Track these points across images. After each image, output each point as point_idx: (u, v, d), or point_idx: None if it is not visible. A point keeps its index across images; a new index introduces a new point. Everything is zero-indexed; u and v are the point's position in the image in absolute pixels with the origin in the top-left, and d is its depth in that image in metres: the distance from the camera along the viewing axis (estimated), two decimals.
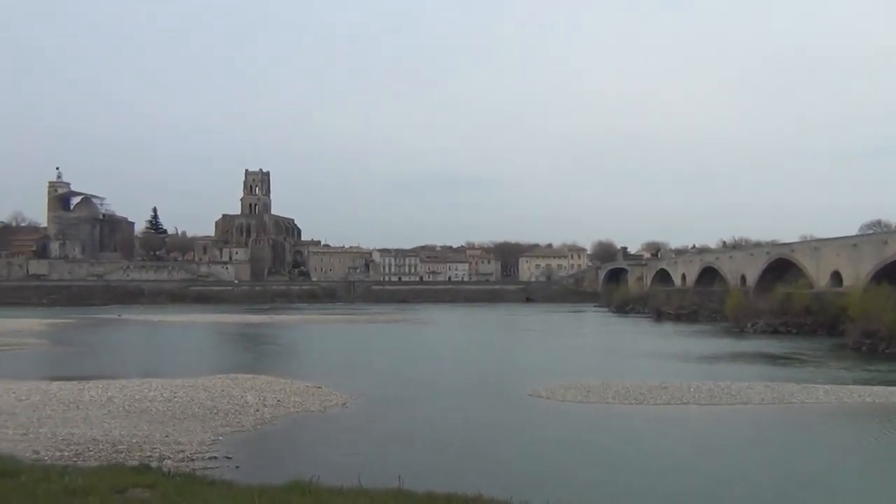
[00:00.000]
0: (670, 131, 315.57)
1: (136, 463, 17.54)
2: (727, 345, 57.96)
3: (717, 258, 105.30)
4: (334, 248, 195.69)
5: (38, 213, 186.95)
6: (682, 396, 30.18)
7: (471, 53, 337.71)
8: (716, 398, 29.91)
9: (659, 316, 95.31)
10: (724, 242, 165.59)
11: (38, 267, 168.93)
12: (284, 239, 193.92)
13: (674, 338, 66.02)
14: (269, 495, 8.80)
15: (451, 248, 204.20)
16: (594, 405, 28.90)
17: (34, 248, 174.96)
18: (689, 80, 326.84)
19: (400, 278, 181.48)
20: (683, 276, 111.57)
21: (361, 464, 18.75)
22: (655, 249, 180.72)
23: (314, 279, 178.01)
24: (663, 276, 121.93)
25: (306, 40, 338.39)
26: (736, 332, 69.21)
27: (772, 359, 47.47)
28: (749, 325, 70.02)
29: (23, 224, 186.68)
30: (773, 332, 66.17)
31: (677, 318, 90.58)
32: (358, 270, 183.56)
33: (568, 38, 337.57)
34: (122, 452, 18.99)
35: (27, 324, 77.01)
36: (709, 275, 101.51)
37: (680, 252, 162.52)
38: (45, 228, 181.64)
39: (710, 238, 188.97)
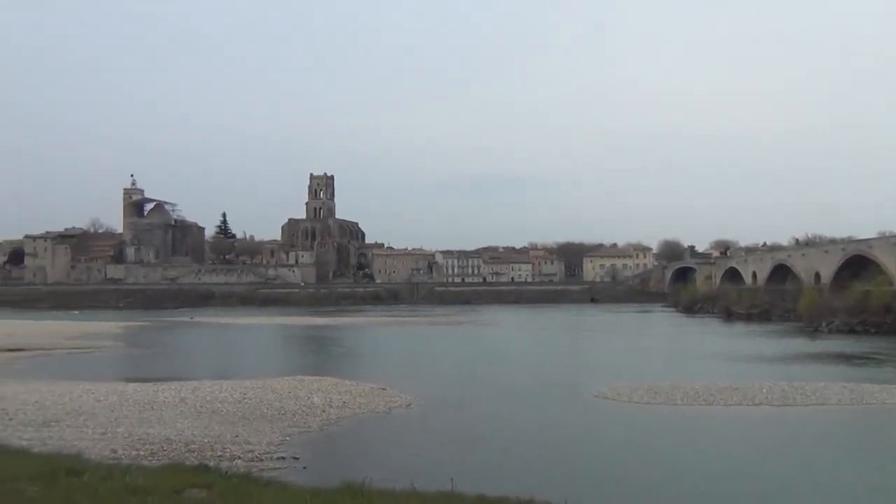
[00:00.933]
0: (738, 128, 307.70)
1: (209, 462, 18.03)
2: (801, 345, 56.10)
3: (789, 256, 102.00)
4: (397, 250, 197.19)
5: (114, 219, 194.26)
6: (754, 397, 29.32)
7: (532, 53, 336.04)
8: (790, 399, 28.96)
9: (729, 316, 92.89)
10: (797, 240, 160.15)
11: (114, 271, 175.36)
12: (349, 242, 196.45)
13: (744, 338, 64.25)
14: (321, 497, 8.88)
15: (514, 248, 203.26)
16: (662, 406, 28.33)
17: (111, 254, 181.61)
18: (758, 77, 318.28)
19: (463, 279, 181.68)
20: (754, 275, 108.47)
21: (422, 465, 18.82)
22: (724, 248, 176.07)
23: (378, 281, 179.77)
24: (733, 275, 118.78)
25: (367, 47, 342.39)
26: (810, 331, 66.92)
27: (849, 359, 45.71)
28: (824, 324, 67.59)
29: (100, 230, 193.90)
30: (850, 331, 63.73)
31: (748, 317, 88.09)
32: (421, 272, 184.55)
33: (632, 36, 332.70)
34: (194, 452, 19.51)
35: (105, 326, 79.96)
36: (781, 273, 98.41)
37: (750, 250, 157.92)
38: (121, 234, 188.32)
39: (782, 235, 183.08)
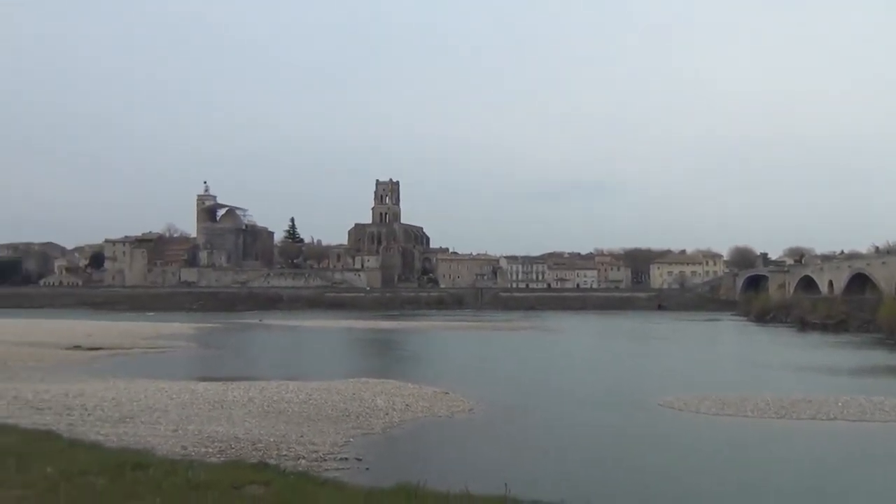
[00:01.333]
0: (813, 131, 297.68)
1: (274, 461, 18.44)
2: (880, 357, 53.79)
3: (868, 264, 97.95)
4: (462, 255, 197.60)
5: (188, 224, 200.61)
6: (829, 412, 28.26)
7: (598, 58, 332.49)
8: (867, 414, 27.81)
9: (803, 326, 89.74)
10: (877, 248, 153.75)
11: (188, 274, 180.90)
12: (413, 247, 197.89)
13: (819, 349, 61.97)
14: (375, 497, 9.00)
15: (579, 254, 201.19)
16: (731, 418, 27.59)
17: (185, 257, 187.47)
18: (830, 77, 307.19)
19: (527, 285, 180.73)
20: (830, 284, 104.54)
21: (480, 469, 18.82)
22: (799, 255, 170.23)
23: (442, 286, 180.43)
24: (808, 284, 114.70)
25: (432, 54, 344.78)
26: (890, 343, 64.08)
27: None
28: None
29: (175, 235, 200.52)
30: None
31: (823, 328, 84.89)
32: (485, 277, 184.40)
33: (698, 38, 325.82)
34: (260, 450, 19.98)
35: (178, 328, 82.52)
36: (859, 282, 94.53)
37: (826, 258, 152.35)
38: (194, 238, 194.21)
39: (860, 243, 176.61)
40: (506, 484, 11.05)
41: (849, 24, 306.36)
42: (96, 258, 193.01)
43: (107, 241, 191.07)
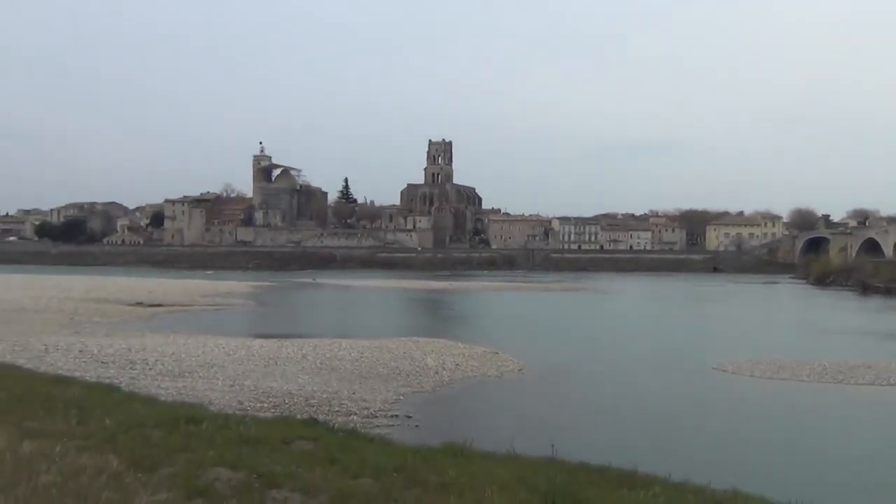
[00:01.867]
0: (877, 89, 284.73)
1: (326, 417, 18.83)
2: None
3: None
4: (514, 216, 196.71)
5: (244, 184, 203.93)
6: (890, 377, 27.48)
7: (661, 12, 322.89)
8: None
9: (865, 289, 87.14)
10: None
11: (244, 234, 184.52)
12: (465, 207, 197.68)
13: (882, 313, 60.17)
14: (421, 455, 9.08)
15: (633, 215, 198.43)
16: (786, 382, 27.08)
17: (241, 217, 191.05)
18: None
19: (580, 246, 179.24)
20: (895, 247, 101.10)
21: (528, 429, 18.91)
22: (863, 217, 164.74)
23: (494, 247, 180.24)
24: (871, 247, 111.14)
25: (483, 9, 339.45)
26: None
27: None
28: None
29: (232, 195, 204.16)
30: None
31: (887, 291, 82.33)
32: (537, 238, 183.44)
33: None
34: (313, 406, 20.40)
35: (235, 286, 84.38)
36: None
37: (892, 220, 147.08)
38: (250, 199, 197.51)
39: None
40: (552, 445, 11.05)
41: None
42: (157, 217, 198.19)
43: (167, 201, 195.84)
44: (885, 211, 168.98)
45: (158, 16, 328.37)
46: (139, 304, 55.03)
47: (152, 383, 22.81)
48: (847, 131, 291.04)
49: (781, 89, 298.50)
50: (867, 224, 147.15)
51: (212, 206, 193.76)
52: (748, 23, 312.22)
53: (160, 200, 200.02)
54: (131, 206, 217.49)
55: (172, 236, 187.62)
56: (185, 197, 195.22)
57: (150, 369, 25.54)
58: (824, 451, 18.25)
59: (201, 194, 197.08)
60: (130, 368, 25.43)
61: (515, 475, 8.32)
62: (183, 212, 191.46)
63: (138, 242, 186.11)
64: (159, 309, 52.54)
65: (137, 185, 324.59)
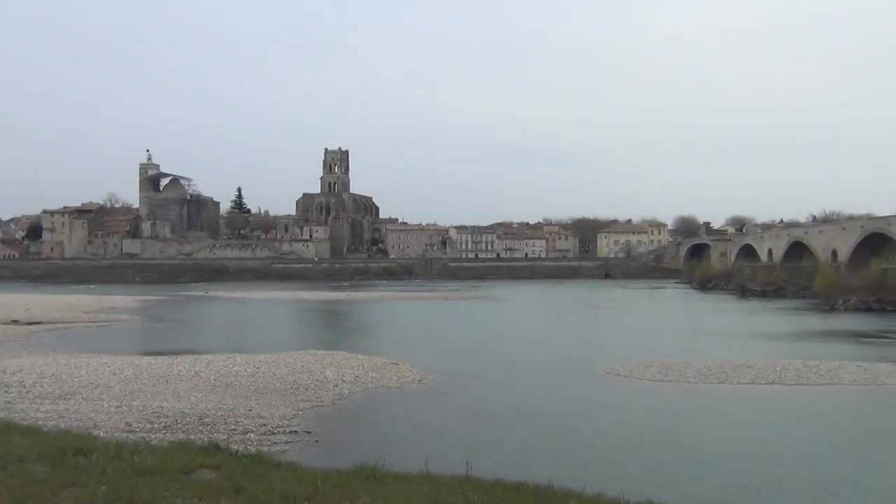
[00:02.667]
0: (756, 103, 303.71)
1: (221, 436, 18.18)
2: (816, 323, 55.75)
3: (805, 232, 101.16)
4: (412, 225, 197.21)
5: (131, 194, 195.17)
6: (768, 376, 29.21)
7: (550, 25, 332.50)
8: (803, 378, 28.83)
9: (744, 293, 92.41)
10: (814, 216, 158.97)
11: (130, 246, 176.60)
12: (363, 217, 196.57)
13: (759, 315, 63.92)
14: (332, 480, 8.83)
15: (528, 224, 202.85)
16: (674, 384, 28.29)
17: (127, 228, 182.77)
18: (774, 49, 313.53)
19: (477, 255, 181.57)
20: (770, 252, 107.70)
21: (433, 443, 18.89)
22: (740, 224, 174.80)
23: (392, 256, 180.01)
24: (748, 252, 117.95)
25: (380, 18, 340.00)
26: (826, 309, 66.45)
27: (865, 338, 45.37)
28: (840, 302, 67.10)
29: (117, 205, 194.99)
30: (867, 309, 63.26)
31: (763, 294, 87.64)
32: (435, 247, 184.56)
33: (650, 9, 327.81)
34: (207, 425, 19.70)
35: (121, 301, 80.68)
36: (797, 250, 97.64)
37: (766, 227, 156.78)
38: (137, 209, 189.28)
39: (798, 212, 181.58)
40: (467, 462, 10.95)
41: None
42: (34, 229, 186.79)
43: (45, 211, 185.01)
44: (760, 218, 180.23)
45: (34, 5, 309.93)
46: (14, 322, 51.75)
47: (31, 407, 21.45)
48: (725, 140, 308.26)
49: (665, 99, 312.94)
50: (744, 231, 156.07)
51: (95, 217, 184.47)
52: (636, 33, 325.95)
53: (38, 211, 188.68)
54: (5, 217, 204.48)
55: (52, 249, 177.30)
56: (65, 207, 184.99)
57: (28, 392, 23.99)
58: (719, 452, 19.09)
59: (83, 204, 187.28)
60: (5, 392, 23.81)
61: (432, 498, 8.22)
62: (63, 223, 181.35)
63: (13, 256, 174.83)
64: (38, 327, 49.52)
65: (11, 194, 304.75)
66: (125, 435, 16.95)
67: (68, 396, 23.48)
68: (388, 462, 10.72)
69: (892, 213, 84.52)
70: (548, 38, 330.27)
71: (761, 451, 18.68)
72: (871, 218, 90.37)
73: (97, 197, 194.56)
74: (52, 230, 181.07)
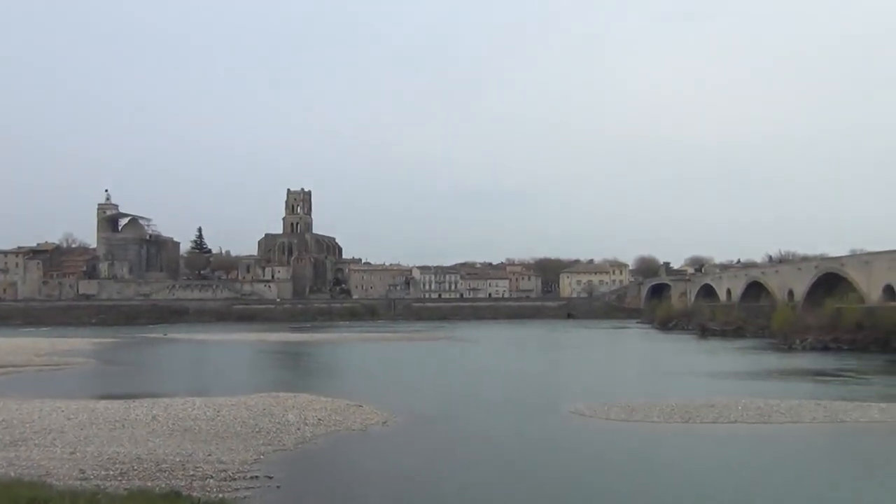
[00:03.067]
0: (712, 143, 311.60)
1: (180, 482, 17.70)
2: (775, 361, 56.56)
3: (762, 273, 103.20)
4: (375, 265, 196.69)
5: (88, 234, 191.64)
6: (730, 415, 29.46)
7: (510, 66, 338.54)
8: (765, 416, 29.13)
9: (704, 332, 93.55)
10: (770, 257, 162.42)
11: (87, 287, 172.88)
12: (325, 257, 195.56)
13: (719, 354, 64.70)
14: None
15: (490, 264, 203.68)
16: (638, 423, 28.36)
17: (84, 269, 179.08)
18: (732, 89, 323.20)
19: (440, 295, 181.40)
20: (728, 292, 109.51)
21: (400, 485, 18.63)
22: (699, 265, 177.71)
23: (355, 297, 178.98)
24: (708, 292, 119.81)
25: (344, 60, 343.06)
26: (784, 348, 67.53)
27: (822, 376, 46.17)
28: (797, 341, 68.24)
29: (73, 245, 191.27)
30: (823, 348, 64.42)
31: (723, 334, 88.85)
32: (398, 288, 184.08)
33: (609, 48, 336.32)
34: (165, 472, 19.14)
35: (76, 343, 78.71)
36: (755, 290, 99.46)
37: (725, 267, 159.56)
38: (94, 249, 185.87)
39: (756, 253, 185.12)
40: None
41: (753, 36, 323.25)
42: None
43: None
44: (719, 258, 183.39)
45: None
46: None
47: None
48: (683, 181, 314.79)
49: (625, 141, 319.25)
50: (703, 271, 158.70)
51: (50, 257, 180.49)
52: (596, 76, 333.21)
53: None
54: None
55: (4, 290, 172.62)
56: (19, 247, 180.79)
57: None
58: (675, 488, 19.10)
59: (38, 244, 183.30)
60: None
61: None
62: (17, 263, 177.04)
63: None
64: None
65: None
66: (79, 483, 16.40)
67: (19, 443, 22.69)
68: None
69: (845, 254, 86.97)
70: (510, 79, 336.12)
71: (726, 490, 18.75)
72: (825, 258, 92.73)
73: (53, 237, 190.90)
74: (6, 271, 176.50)
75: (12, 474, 16.70)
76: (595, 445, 24.85)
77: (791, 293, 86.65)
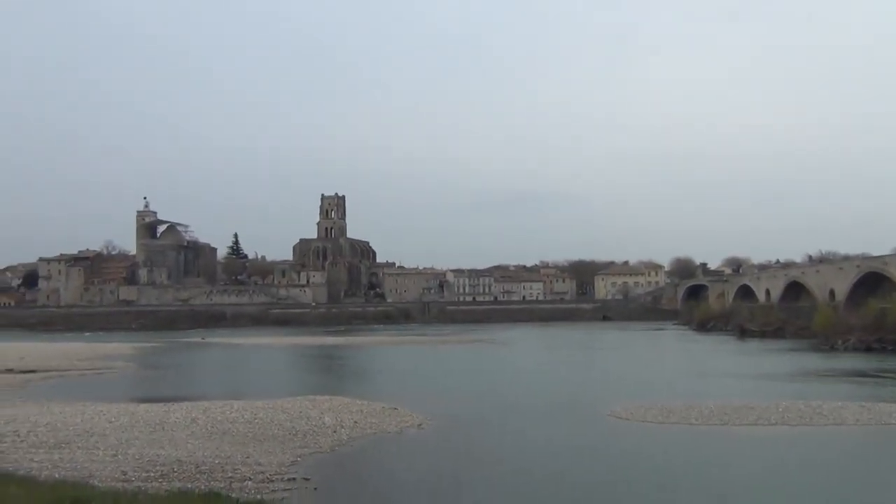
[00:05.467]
0: (751, 145, 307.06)
1: (219, 484, 17.91)
2: (817, 362, 55.46)
3: (802, 273, 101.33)
4: (409, 269, 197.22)
5: (127, 241, 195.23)
6: (770, 417, 28.95)
7: (547, 69, 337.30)
8: (806, 419, 28.57)
9: (742, 333, 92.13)
10: (810, 257, 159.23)
11: (127, 293, 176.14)
12: (360, 261, 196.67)
13: (759, 356, 63.62)
14: None
15: (525, 267, 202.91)
16: (676, 426, 28.00)
17: (124, 275, 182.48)
18: (771, 93, 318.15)
19: (474, 298, 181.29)
20: (767, 292, 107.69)
21: (436, 488, 18.62)
22: (737, 265, 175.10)
23: (389, 300, 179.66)
24: (746, 293, 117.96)
25: (377, 65, 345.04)
26: (825, 349, 66.21)
27: (865, 377, 45.16)
28: (839, 342, 66.87)
29: (114, 252, 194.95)
30: (867, 349, 63.02)
31: (762, 335, 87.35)
32: (432, 291, 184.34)
33: (642, 51, 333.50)
34: (204, 473, 19.38)
35: (117, 348, 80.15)
36: (794, 290, 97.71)
37: (763, 267, 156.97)
38: (133, 256, 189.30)
39: (795, 253, 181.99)
40: None
41: (782, 43, 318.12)
42: (30, 277, 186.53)
43: (41, 259, 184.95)
44: (756, 259, 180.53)
45: (35, 49, 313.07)
46: (9, 370, 51.24)
47: (24, 457, 21.13)
48: (720, 185, 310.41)
49: (659, 142, 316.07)
50: (741, 272, 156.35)
51: (91, 264, 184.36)
52: (630, 78, 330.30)
53: (34, 259, 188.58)
54: (1, 266, 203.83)
55: (48, 297, 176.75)
56: (61, 255, 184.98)
57: (23, 441, 23.66)
58: (714, 492, 18.81)
59: (79, 252, 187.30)
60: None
61: None
62: (59, 271, 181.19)
63: (9, 304, 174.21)
64: (33, 375, 49.06)
65: (7, 242, 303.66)
66: (121, 484, 16.68)
67: (63, 445, 23.15)
68: None
69: (889, 253, 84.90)
70: (541, 82, 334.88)
71: (763, 494, 18.41)
72: (867, 258, 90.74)
73: (94, 244, 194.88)
74: (49, 278, 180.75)
75: (57, 476, 17.05)
76: (632, 449, 24.56)
77: (832, 293, 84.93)
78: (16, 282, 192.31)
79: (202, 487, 15.82)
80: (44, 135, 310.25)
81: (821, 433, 26.40)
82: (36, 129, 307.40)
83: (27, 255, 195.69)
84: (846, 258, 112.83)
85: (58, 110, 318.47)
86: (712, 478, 20.40)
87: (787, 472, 20.88)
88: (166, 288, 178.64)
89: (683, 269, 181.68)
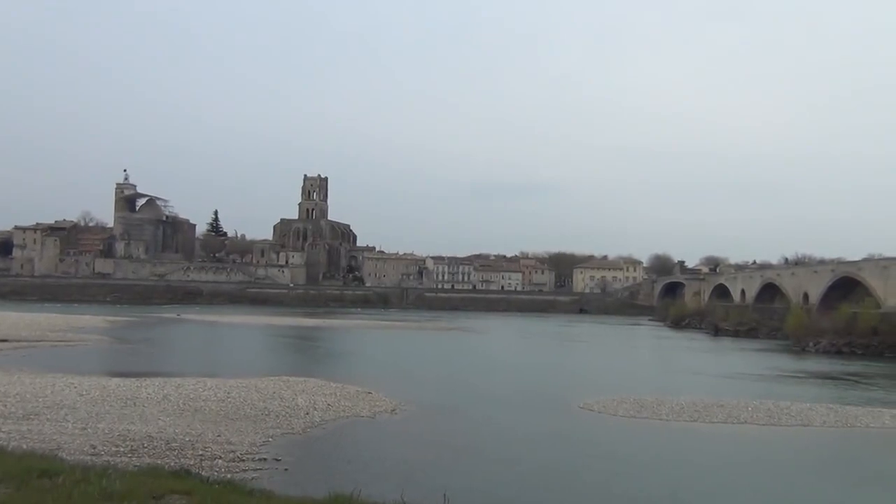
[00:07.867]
0: (732, 145, 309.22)
1: (188, 462, 17.84)
2: (787, 364, 56.21)
3: (778, 274, 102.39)
4: (388, 254, 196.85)
5: (105, 213, 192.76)
6: (739, 415, 29.35)
7: (530, 60, 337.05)
8: (774, 418, 28.99)
9: (716, 332, 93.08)
10: (786, 259, 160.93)
11: (103, 265, 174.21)
12: (340, 244, 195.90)
13: (731, 354, 64.35)
14: None
15: (504, 257, 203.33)
16: (647, 421, 28.30)
17: (101, 248, 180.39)
18: (753, 94, 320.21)
19: (453, 286, 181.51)
20: (743, 292, 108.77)
21: (408, 473, 18.68)
22: (714, 264, 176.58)
23: (368, 285, 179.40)
24: (721, 292, 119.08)
25: (364, 48, 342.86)
26: (797, 350, 67.10)
27: (834, 380, 45.86)
28: (811, 344, 67.79)
29: (91, 224, 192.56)
30: (837, 352, 63.92)
31: (735, 334, 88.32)
32: (411, 277, 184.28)
33: (629, 47, 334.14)
34: (174, 450, 19.32)
35: (91, 320, 79.40)
36: (769, 292, 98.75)
37: (739, 267, 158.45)
38: (111, 228, 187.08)
39: (771, 254, 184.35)
40: (445, 494, 10.75)
41: (764, 45, 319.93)
42: (4, 246, 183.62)
43: (16, 227, 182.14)
44: (733, 259, 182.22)
45: (15, 21, 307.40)
46: None
47: None
48: (700, 184, 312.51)
49: (642, 137, 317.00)
50: (718, 271, 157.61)
51: (67, 234, 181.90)
52: (613, 72, 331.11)
53: (9, 227, 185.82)
54: None
55: (22, 266, 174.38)
56: (37, 224, 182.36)
57: None
58: (680, 486, 19.05)
59: (56, 222, 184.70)
60: None
61: None
62: (35, 240, 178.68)
63: None
64: (3, 345, 48.49)
65: None
66: (90, 458, 16.57)
67: (32, 417, 22.95)
68: (356, 490, 10.49)
69: (862, 258, 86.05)
70: (527, 73, 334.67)
71: (727, 490, 18.68)
72: (841, 262, 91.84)
73: (71, 215, 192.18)
74: (24, 247, 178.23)
75: (24, 447, 16.86)
76: (603, 441, 24.81)
77: (806, 296, 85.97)
78: None
79: (172, 464, 15.74)
80: (23, 102, 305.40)
81: (786, 433, 26.81)
82: (14, 97, 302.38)
83: (2, 223, 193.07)
84: (821, 262, 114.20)
85: (38, 80, 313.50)
86: (670, 471, 20.68)
87: (744, 469, 21.21)
88: (143, 262, 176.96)
89: (661, 265, 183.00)
